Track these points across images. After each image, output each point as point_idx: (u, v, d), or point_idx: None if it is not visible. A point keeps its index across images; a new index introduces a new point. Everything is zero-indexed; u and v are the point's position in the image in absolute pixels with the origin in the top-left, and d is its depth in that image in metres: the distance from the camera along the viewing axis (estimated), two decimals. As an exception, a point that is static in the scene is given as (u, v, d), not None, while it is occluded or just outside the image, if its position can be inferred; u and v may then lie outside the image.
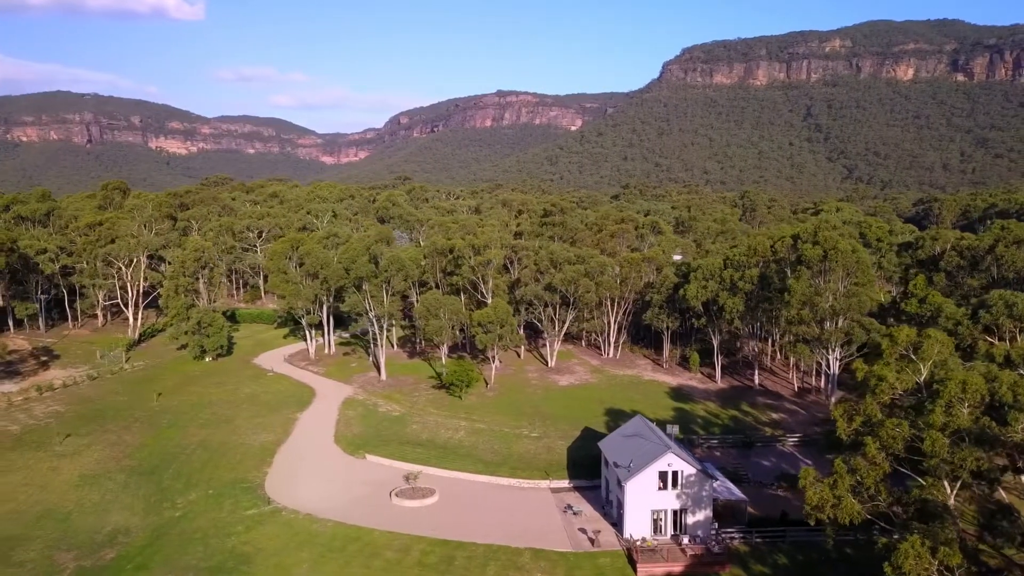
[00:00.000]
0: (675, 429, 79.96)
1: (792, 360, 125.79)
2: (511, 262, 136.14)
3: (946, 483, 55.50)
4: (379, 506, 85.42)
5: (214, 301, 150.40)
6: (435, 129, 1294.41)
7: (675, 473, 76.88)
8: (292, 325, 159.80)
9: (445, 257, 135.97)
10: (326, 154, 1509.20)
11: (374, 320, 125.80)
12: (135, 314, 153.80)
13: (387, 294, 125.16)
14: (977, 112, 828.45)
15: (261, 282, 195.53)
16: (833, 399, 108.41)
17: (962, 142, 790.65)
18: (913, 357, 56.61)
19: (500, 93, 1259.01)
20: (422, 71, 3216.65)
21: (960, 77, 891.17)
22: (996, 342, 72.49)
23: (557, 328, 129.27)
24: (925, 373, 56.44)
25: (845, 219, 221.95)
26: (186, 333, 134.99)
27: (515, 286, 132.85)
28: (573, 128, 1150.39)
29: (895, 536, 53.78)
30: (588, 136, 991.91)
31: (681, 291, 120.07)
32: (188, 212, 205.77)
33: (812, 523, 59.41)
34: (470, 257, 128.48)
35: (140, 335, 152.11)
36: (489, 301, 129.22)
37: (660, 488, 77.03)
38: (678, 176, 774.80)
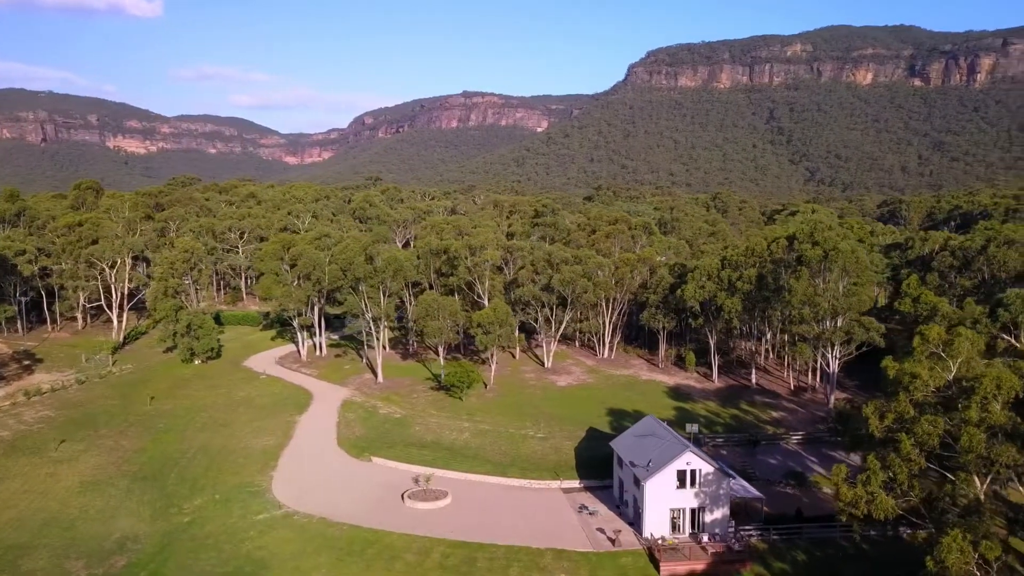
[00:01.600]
0: (695, 427, 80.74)
1: (787, 359, 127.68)
2: (506, 262, 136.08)
3: (976, 479, 56.73)
4: (392, 509, 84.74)
5: (202, 303, 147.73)
6: (400, 130, 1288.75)
7: (693, 472, 77.46)
8: (279, 327, 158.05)
9: (439, 258, 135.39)
10: (289, 154, 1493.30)
11: (371, 321, 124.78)
12: (119, 316, 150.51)
13: (384, 295, 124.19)
14: (934, 116, 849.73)
15: (243, 284, 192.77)
16: (833, 397, 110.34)
17: (919, 145, 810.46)
18: (943, 355, 57.80)
19: (466, 94, 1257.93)
20: (387, 71, 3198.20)
21: (917, 82, 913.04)
22: (1013, 340, 74.51)
23: (554, 329, 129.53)
24: (954, 371, 57.67)
25: (813, 220, 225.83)
26: (175, 335, 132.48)
27: (510, 287, 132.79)
28: (539, 129, 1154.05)
29: (931, 531, 54.81)
30: (555, 137, 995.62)
31: (679, 291, 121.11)
32: (165, 212, 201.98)
33: (844, 519, 60.18)
34: (466, 258, 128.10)
35: (124, 338, 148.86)
36: (486, 302, 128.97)
37: (678, 487, 77.55)
38: (644, 178, 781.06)
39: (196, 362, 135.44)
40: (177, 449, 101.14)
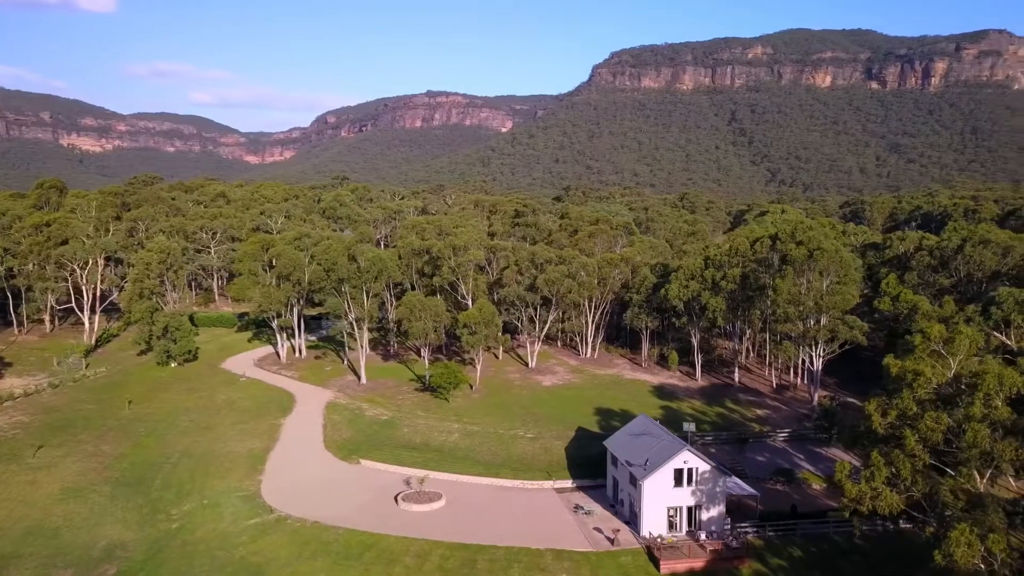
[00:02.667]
0: (692, 426, 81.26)
1: (767, 358, 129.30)
2: (488, 262, 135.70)
3: (976, 473, 57.92)
4: (386, 511, 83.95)
5: (177, 304, 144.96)
6: (363, 129, 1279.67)
7: (690, 470, 78.03)
8: (255, 328, 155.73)
9: (421, 258, 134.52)
10: (250, 153, 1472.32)
11: (353, 323, 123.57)
12: (91, 319, 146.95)
13: (367, 296, 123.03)
14: (890, 119, 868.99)
15: (215, 285, 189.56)
16: (816, 395, 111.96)
17: (877, 147, 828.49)
18: (943, 352, 58.96)
19: (430, 94, 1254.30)
20: (349, 70, 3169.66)
21: (874, 85, 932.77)
22: (1005, 338, 76.31)
23: (538, 329, 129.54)
24: (954, 368, 58.85)
25: (791, 220, 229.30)
26: (151, 338, 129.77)
27: (494, 287, 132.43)
28: (503, 129, 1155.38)
29: (934, 526, 55.83)
30: (519, 138, 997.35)
31: (662, 291, 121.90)
32: (134, 212, 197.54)
33: (847, 515, 61.04)
34: (450, 258, 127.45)
35: (96, 340, 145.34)
36: (470, 302, 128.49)
37: (675, 485, 78.11)
38: (609, 179, 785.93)
39: (172, 365, 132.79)
40: (160, 454, 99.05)
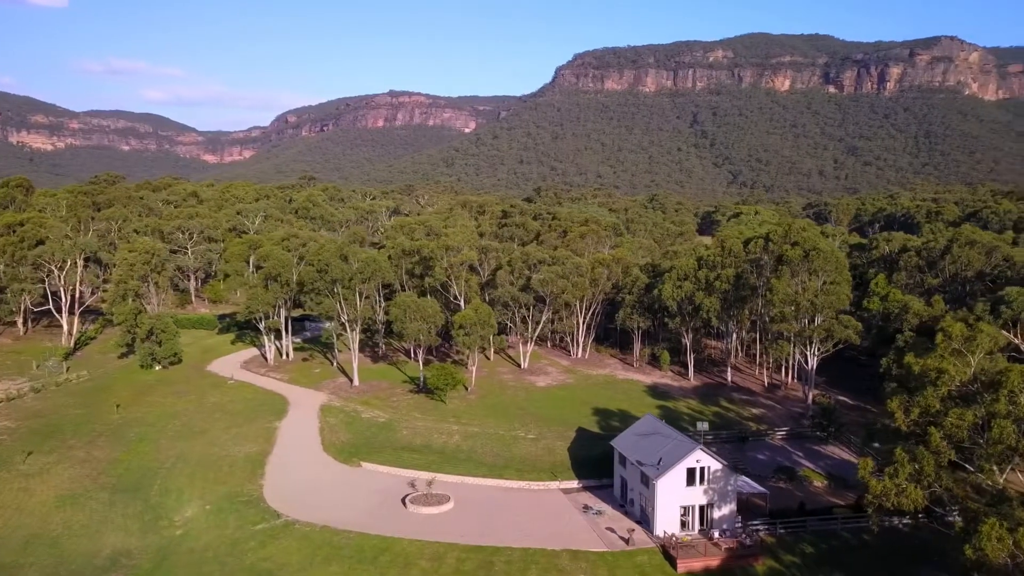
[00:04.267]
0: (704, 425, 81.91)
1: (757, 357, 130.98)
2: (479, 263, 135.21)
3: (996, 469, 59.30)
4: (395, 514, 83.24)
5: (161, 306, 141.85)
6: (325, 128, 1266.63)
7: (703, 469, 78.61)
8: (237, 330, 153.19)
9: (411, 258, 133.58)
10: (208, 152, 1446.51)
11: (346, 324, 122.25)
12: (69, 321, 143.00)
13: (360, 297, 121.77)
14: (847, 122, 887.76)
15: (192, 286, 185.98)
16: (811, 394, 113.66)
17: (835, 150, 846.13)
18: (963, 351, 60.29)
19: (392, 93, 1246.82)
20: (310, 69, 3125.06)
21: (832, 89, 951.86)
22: (1013, 337, 78.21)
23: (531, 329, 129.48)
24: (974, 366, 60.21)
25: (765, 220, 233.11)
26: (137, 340, 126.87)
27: (485, 287, 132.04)
28: (467, 130, 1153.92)
29: (958, 520, 57.04)
30: (484, 138, 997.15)
31: (656, 291, 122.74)
32: (106, 212, 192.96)
33: (871, 511, 62.02)
34: (442, 258, 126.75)
35: (75, 343, 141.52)
36: (462, 303, 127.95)
37: (688, 484, 78.62)
38: (573, 180, 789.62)
39: (157, 368, 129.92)
40: (155, 459, 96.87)
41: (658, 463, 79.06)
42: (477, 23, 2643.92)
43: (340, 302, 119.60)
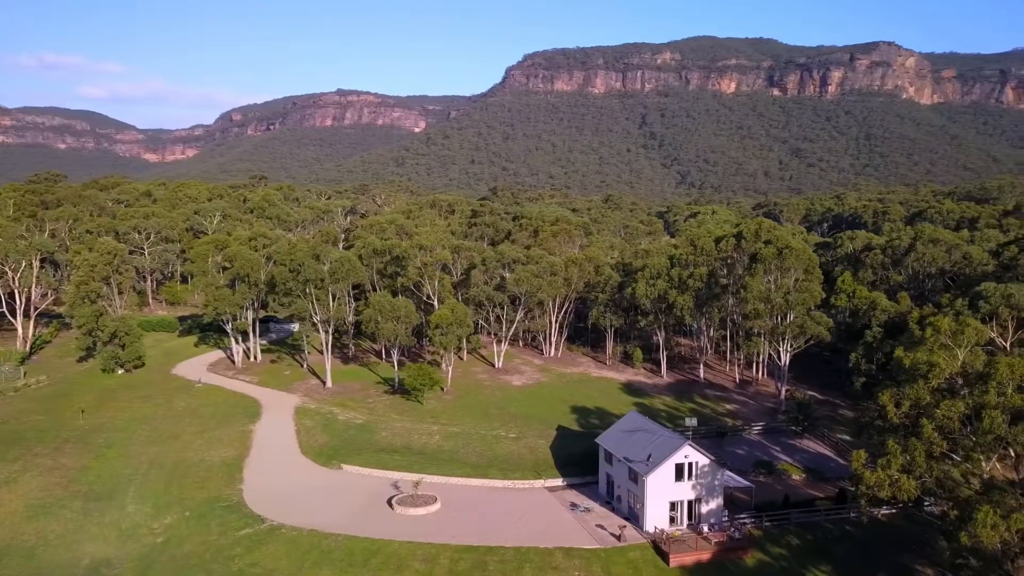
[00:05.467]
0: (693, 421, 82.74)
1: (728, 354, 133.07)
2: (452, 262, 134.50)
3: (982, 459, 61.28)
4: (382, 516, 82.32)
5: (123, 308, 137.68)
6: (272, 127, 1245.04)
7: (691, 464, 79.54)
8: (199, 332, 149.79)
9: (382, 258, 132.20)
10: (149, 151, 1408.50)
11: (318, 325, 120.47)
12: (24, 325, 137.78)
13: (332, 298, 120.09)
14: (791, 124, 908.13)
15: (149, 287, 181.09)
16: (784, 389, 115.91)
17: (779, 151, 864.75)
18: (951, 344, 62.21)
19: (341, 92, 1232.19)
20: (255, 66, 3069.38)
21: (776, 92, 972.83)
22: (991, 331, 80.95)
23: (505, 329, 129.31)
24: (961, 359, 62.17)
25: (725, 220, 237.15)
26: (98, 343, 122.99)
27: (459, 287, 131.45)
28: (416, 130, 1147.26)
29: (952, 509, 58.84)
30: (434, 138, 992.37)
31: (629, 289, 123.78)
32: (55, 211, 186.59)
33: (863, 502, 63.54)
34: (415, 258, 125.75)
35: (31, 347, 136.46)
36: (436, 303, 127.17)
37: (676, 480, 79.46)
38: (525, 180, 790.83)
39: (119, 372, 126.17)
40: (126, 465, 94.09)
41: (647, 459, 79.75)
42: (426, 22, 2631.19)
43: (313, 303, 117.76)
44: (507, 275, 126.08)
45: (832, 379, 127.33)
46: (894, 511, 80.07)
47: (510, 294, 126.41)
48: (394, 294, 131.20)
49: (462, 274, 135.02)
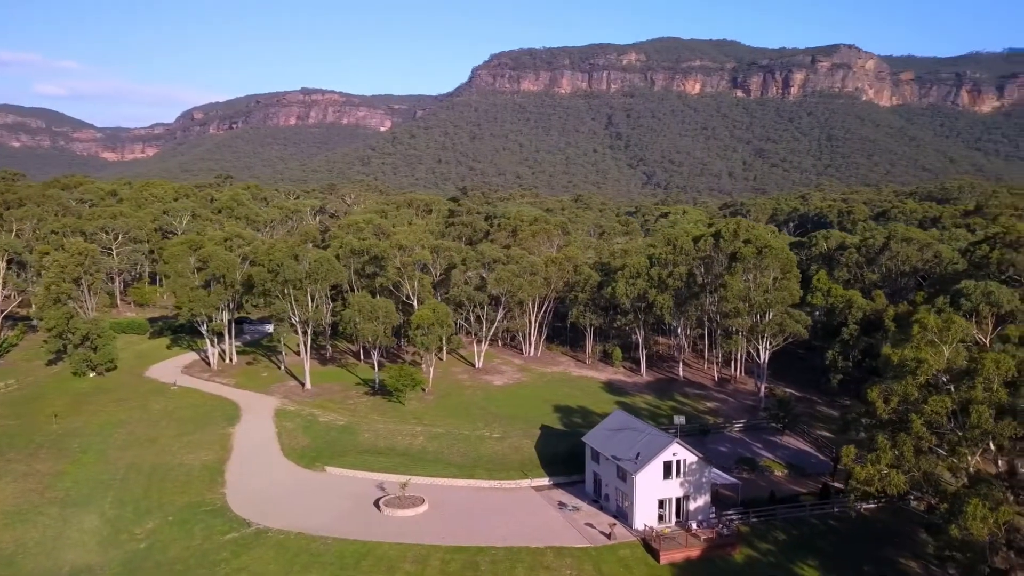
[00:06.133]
0: (682, 419, 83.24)
1: (705, 352, 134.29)
2: (432, 262, 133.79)
3: (967, 453, 62.61)
4: (370, 518, 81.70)
5: (94, 310, 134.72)
6: (234, 126, 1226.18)
7: (679, 462, 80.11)
8: (171, 334, 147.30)
9: (360, 258, 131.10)
10: (107, 150, 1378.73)
11: (298, 326, 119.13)
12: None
13: (311, 298, 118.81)
14: (755, 125, 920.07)
15: (117, 289, 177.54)
16: (763, 387, 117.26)
17: (743, 152, 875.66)
18: (937, 341, 63.47)
19: (305, 91, 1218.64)
20: (216, 65, 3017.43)
21: (739, 93, 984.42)
22: (972, 328, 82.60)
23: (485, 329, 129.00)
24: (947, 356, 63.44)
25: (694, 219, 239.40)
26: (69, 346, 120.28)
27: (438, 286, 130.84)
28: (382, 129, 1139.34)
29: (944, 501, 60.05)
30: (400, 137, 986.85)
31: (609, 288, 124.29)
32: (18, 211, 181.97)
33: (853, 497, 64.57)
34: (395, 258, 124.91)
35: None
36: (415, 303, 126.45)
37: (665, 478, 79.95)
38: (493, 180, 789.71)
39: (91, 375, 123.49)
40: (104, 470, 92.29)
41: (636, 457, 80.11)
42: (392, 21, 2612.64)
43: (292, 303, 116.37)
44: (487, 275, 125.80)
45: (807, 376, 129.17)
46: (874, 505, 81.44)
47: (491, 294, 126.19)
48: (372, 294, 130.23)
49: (441, 274, 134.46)
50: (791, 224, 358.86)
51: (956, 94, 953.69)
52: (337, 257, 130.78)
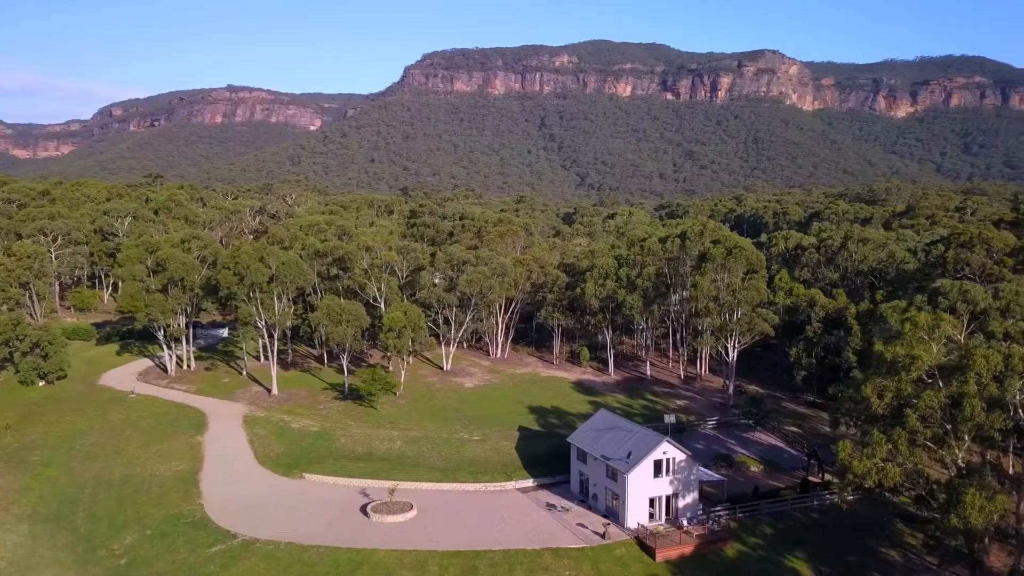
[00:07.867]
0: (672, 418, 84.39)
1: (670, 351, 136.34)
2: (400, 264, 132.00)
3: (955, 444, 65.27)
4: (360, 525, 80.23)
5: (44, 316, 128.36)
6: (156, 123, 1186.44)
7: (668, 460, 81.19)
8: (120, 340, 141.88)
9: (324, 260, 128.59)
10: (18, 147, 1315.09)
11: (264, 330, 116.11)
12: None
13: (278, 301, 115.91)
14: (684, 128, 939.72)
15: (56, 293, 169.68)
16: (732, 384, 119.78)
17: (673, 154, 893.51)
18: (926, 337, 66.01)
19: (231, 88, 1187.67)
20: (135, 59, 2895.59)
21: (669, 96, 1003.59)
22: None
23: (454, 331, 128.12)
24: (935, 352, 66.03)
25: (640, 220, 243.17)
26: (16, 354, 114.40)
27: (404, 288, 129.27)
28: (312, 128, 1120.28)
29: (941, 493, 62.51)
30: (331, 136, 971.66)
31: (579, 289, 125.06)
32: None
33: (848, 490, 66.58)
34: (362, 259, 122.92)
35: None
36: (382, 305, 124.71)
37: (655, 476, 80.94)
38: (427, 180, 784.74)
39: (40, 384, 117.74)
40: (69, 484, 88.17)
41: (627, 456, 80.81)
42: (321, 19, 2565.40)
43: (258, 306, 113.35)
44: (457, 276, 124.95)
45: (769, 373, 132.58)
46: (851, 498, 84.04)
47: (460, 295, 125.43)
48: (336, 296, 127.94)
49: (408, 275, 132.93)
50: (728, 224, 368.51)
51: (874, 99, 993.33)
52: (300, 258, 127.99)
